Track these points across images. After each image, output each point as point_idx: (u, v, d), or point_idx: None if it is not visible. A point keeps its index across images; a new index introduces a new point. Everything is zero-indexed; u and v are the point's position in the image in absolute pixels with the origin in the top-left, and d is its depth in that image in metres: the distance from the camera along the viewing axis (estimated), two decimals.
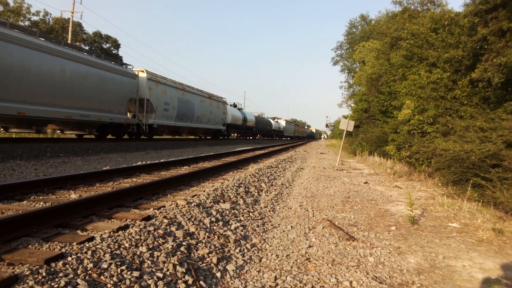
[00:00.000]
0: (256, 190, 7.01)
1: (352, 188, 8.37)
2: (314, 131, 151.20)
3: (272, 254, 3.83)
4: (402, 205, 6.50)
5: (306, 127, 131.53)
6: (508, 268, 3.54)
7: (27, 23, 40.11)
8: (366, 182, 9.36)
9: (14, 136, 17.46)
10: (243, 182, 7.37)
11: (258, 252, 3.89)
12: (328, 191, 7.86)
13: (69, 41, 32.95)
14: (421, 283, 3.18)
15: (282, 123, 67.04)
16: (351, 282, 3.13)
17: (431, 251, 4.04)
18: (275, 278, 3.18)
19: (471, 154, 6.39)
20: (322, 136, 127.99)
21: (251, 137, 49.37)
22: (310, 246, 4.10)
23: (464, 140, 7.06)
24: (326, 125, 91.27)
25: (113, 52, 51.46)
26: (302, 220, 5.28)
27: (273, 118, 64.70)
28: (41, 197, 5.10)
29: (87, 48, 48.54)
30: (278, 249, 4.03)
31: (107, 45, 50.87)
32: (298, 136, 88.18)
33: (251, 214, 5.35)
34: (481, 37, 8.57)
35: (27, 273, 2.42)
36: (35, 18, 41.04)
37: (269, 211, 5.82)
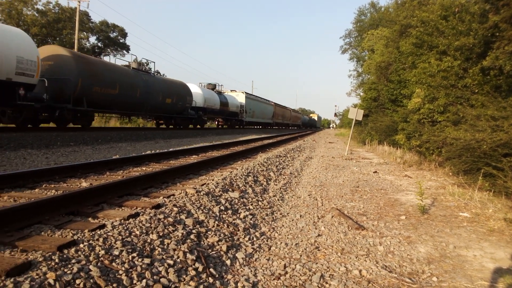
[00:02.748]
0: (264, 179, 7.02)
1: (362, 178, 8.33)
2: (316, 118, 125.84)
3: (281, 243, 3.84)
4: (412, 195, 6.46)
5: (301, 114, 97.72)
6: None
7: (32, 12, 40.13)
8: (375, 172, 9.32)
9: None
10: (252, 171, 7.38)
11: (267, 241, 3.91)
12: (337, 180, 7.84)
13: (76, 31, 33.01)
14: (432, 272, 3.17)
15: (239, 98, 40.09)
16: (360, 271, 3.13)
17: (442, 240, 4.02)
18: (285, 266, 3.19)
19: (482, 143, 6.30)
20: (331, 125, 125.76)
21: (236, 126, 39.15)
22: (319, 235, 4.10)
23: (475, 129, 6.95)
24: (335, 114, 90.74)
25: (120, 41, 51.46)
26: (311, 209, 5.28)
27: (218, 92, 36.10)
28: (52, 185, 5.16)
29: (94, 37, 48.68)
30: (287, 237, 4.04)
31: (114, 34, 50.84)
32: (282, 123, 62.69)
33: (260, 203, 5.36)
34: (492, 24, 8.38)
35: (40, 259, 2.46)
36: (39, 7, 41.03)
37: (278, 200, 5.82)
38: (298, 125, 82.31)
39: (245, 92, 41.54)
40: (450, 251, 3.70)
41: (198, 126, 29.81)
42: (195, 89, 29.12)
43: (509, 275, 3.06)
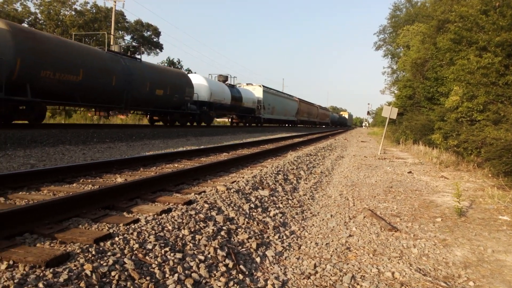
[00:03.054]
0: (295, 178, 6.98)
1: (395, 178, 8.13)
2: (347, 117, 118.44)
3: (311, 242, 3.81)
4: (448, 196, 6.24)
5: (331, 111, 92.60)
6: None
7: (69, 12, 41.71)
8: (410, 172, 9.06)
9: (63, 122, 17.91)
10: (282, 169, 7.36)
11: (297, 240, 3.89)
12: (369, 180, 7.69)
13: (112, 30, 33.99)
14: (468, 276, 3.05)
15: (256, 93, 35.11)
16: (393, 273, 3.05)
17: (479, 244, 3.85)
18: (315, 266, 3.16)
19: None
20: (363, 124, 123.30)
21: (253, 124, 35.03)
22: (350, 236, 4.04)
23: None
24: (368, 113, 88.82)
25: (154, 40, 52.62)
26: (342, 209, 5.21)
27: (231, 85, 31.25)
28: (89, 180, 5.35)
29: (129, 36, 50.00)
30: (318, 237, 4.00)
31: (148, 33, 52.05)
32: (308, 120, 57.12)
33: (290, 201, 5.34)
34: None
35: (78, 251, 2.55)
36: (77, 7, 42.62)
37: (308, 199, 5.78)
38: (327, 123, 76.32)
39: (263, 86, 36.30)
40: (488, 255, 3.54)
41: (204, 124, 25.77)
42: (199, 80, 24.92)
43: None
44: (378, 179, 7.84)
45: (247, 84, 36.22)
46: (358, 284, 2.86)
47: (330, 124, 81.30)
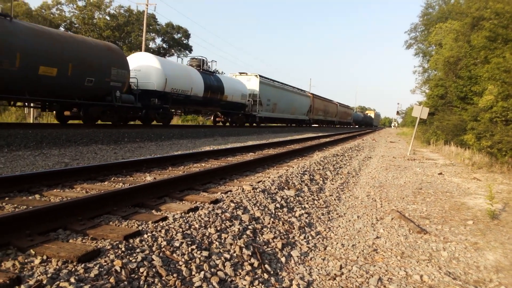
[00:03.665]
0: (321, 178, 6.93)
1: (425, 179, 7.93)
2: (373, 116, 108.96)
3: (337, 243, 3.79)
4: (481, 199, 6.04)
5: (354, 109, 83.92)
6: None
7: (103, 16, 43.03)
8: (440, 173, 8.81)
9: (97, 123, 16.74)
10: (308, 169, 7.32)
11: (323, 240, 3.87)
12: (398, 182, 7.54)
13: (143, 33, 34.75)
14: (500, 281, 2.95)
15: (250, 84, 27.64)
16: (421, 276, 2.99)
17: None
18: (341, 267, 3.14)
19: None
20: (392, 124, 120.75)
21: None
22: (377, 237, 3.98)
23: None
24: (397, 113, 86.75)
25: (184, 42, 53.47)
26: (369, 210, 5.14)
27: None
28: (120, 179, 5.51)
29: (160, 38, 50.99)
30: (344, 238, 3.97)
31: (178, 35, 52.94)
32: (324, 119, 49.62)
33: (315, 202, 5.32)
34: None
35: (108, 247, 2.65)
36: (111, 11, 43.90)
37: (335, 199, 5.73)
38: (348, 123, 68.68)
39: (260, 76, 28.10)
40: None
41: (158, 123, 19.16)
42: (146, 60, 17.65)
43: None
44: (407, 180, 7.67)
45: (240, 73, 28.42)
46: (385, 286, 2.82)
47: (353, 124, 74.56)
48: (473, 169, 9.81)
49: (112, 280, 2.25)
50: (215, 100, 22.50)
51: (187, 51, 53.59)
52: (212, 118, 27.74)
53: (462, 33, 17.30)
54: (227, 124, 26.94)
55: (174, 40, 52.12)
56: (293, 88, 37.00)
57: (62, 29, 37.96)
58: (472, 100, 14.95)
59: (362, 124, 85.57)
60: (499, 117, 10.07)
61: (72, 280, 2.14)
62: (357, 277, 2.97)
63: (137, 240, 2.85)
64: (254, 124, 28.18)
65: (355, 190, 6.65)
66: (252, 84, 27.38)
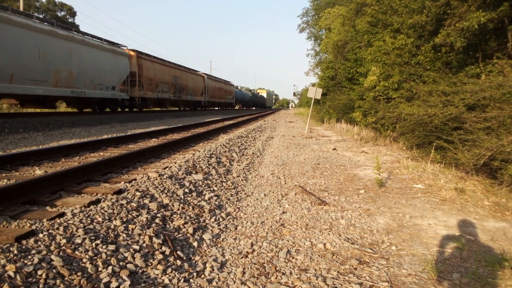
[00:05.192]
0: (227, 160, 7.01)
1: (322, 155, 8.53)
2: (265, 96, 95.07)
3: (247, 222, 3.89)
4: (369, 169, 6.72)
5: (234, 85, 55.05)
6: (470, 224, 3.76)
7: None
8: (334, 149, 9.57)
9: None
10: (214, 152, 7.34)
11: (233, 221, 3.94)
12: (298, 159, 7.98)
13: (21, 8, 30.66)
14: (390, 242, 3.33)
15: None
16: (324, 244, 3.23)
17: (399, 211, 4.22)
18: (252, 245, 3.24)
19: (434, 118, 6.61)
20: (290, 105, 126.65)
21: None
22: (283, 212, 4.18)
23: (427, 104, 7.27)
24: (294, 94, 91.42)
25: (69, 20, 48.71)
26: (275, 188, 5.36)
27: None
28: (4, 175, 4.88)
29: (41, 16, 45.61)
30: (253, 216, 4.09)
31: (62, 13, 48.00)
32: (180, 99, 29.94)
33: (224, 184, 5.37)
34: (444, 2, 8.68)
35: None
36: None
37: (242, 180, 5.85)
38: (230, 104, 51.28)
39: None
40: (407, 221, 3.90)
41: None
42: None
43: (459, 240, 3.28)
44: (306, 157, 8.17)
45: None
46: (293, 257, 2.99)
47: (235, 104, 57.71)
48: (362, 144, 10.85)
49: (6, 287, 1.99)
50: None
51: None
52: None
53: (348, 18, 18.68)
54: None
55: (58, 18, 47.13)
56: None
57: None
58: (358, 80, 16.35)
59: (251, 104, 70.75)
60: (382, 96, 11.20)
61: None
62: (268, 252, 3.10)
63: (31, 240, 2.56)
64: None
65: (261, 169, 6.87)
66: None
